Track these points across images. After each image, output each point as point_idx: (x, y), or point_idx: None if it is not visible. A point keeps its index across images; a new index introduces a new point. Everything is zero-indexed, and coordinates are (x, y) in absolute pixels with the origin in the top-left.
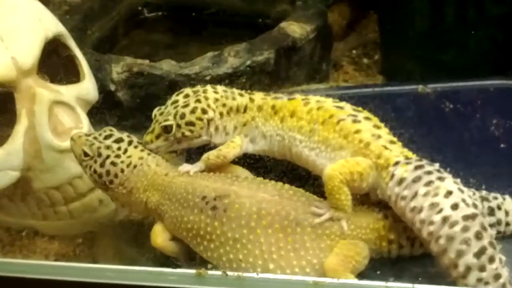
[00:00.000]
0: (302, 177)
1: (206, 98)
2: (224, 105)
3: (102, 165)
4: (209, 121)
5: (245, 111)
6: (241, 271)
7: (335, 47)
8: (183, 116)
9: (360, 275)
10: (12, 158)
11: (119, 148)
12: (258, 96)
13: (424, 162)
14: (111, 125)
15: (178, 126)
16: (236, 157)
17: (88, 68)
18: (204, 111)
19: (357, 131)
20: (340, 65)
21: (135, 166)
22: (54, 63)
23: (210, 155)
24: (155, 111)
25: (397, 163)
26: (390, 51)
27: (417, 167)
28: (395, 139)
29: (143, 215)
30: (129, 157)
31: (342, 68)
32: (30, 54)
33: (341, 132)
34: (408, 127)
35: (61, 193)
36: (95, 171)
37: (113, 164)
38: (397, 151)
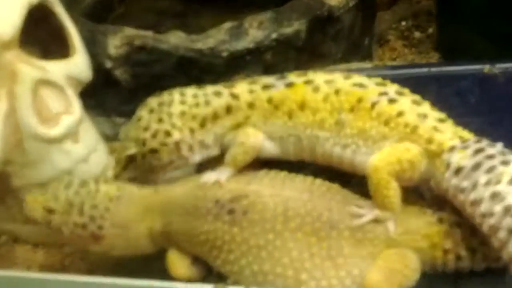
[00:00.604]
0: (344, 173)
1: (170, 115)
2: (194, 117)
3: (81, 213)
4: (177, 143)
5: (229, 112)
6: (268, 286)
7: (380, 17)
8: (144, 143)
9: None
10: None
11: (88, 191)
12: (243, 88)
13: (484, 143)
14: (108, 109)
15: (142, 155)
16: None
17: (79, 41)
18: (167, 134)
19: (400, 114)
20: (386, 39)
21: (118, 198)
22: (39, 35)
23: (237, 154)
24: (122, 131)
25: (452, 148)
26: (447, 22)
27: (476, 151)
28: (443, 115)
29: (153, 251)
30: (106, 192)
31: (389, 43)
32: (10, 23)
33: (380, 118)
34: (472, 116)
35: None
36: (75, 224)
37: (94, 206)
38: (449, 132)
